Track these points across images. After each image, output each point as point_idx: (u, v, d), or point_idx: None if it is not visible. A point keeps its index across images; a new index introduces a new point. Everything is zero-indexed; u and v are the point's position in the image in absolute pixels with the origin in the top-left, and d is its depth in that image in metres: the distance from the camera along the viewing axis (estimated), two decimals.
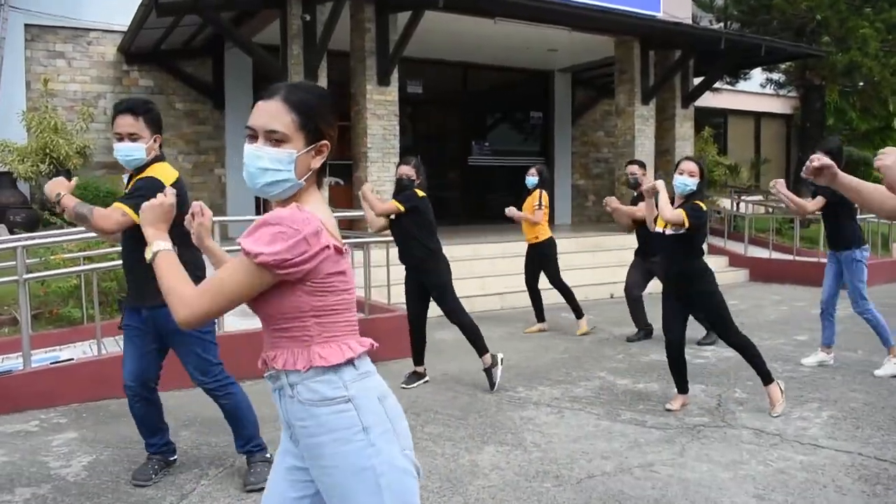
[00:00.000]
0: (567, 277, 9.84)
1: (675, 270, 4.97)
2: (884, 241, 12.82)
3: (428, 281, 5.56)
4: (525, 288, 7.81)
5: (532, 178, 7.63)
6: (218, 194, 12.04)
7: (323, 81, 9.53)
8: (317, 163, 1.87)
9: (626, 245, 11.20)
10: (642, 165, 7.41)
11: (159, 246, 1.95)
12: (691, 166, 4.90)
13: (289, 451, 1.96)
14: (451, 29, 11.08)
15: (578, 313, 7.59)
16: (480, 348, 5.50)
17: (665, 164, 12.68)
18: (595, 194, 15.00)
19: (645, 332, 7.29)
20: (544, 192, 7.55)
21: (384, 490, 1.80)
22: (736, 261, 11.63)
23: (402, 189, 5.56)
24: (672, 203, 4.89)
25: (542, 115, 15.32)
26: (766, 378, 4.93)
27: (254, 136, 1.82)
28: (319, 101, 1.88)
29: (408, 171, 5.56)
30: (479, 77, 14.57)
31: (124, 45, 11.10)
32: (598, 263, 10.60)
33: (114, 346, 6.06)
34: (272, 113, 1.80)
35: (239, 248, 1.77)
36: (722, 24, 15.43)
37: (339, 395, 1.82)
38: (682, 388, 5.07)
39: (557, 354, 6.72)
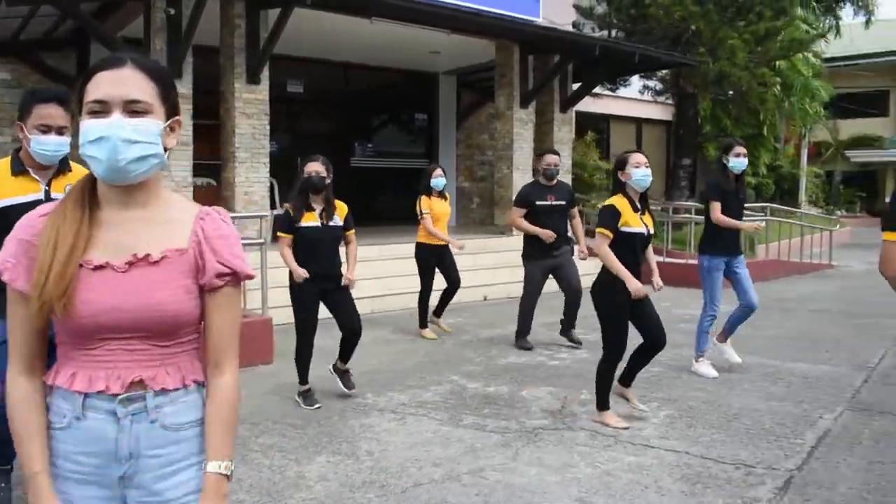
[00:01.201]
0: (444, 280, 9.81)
1: (640, 273, 4.76)
2: (750, 243, 13.34)
3: (343, 291, 5.28)
4: (400, 291, 7.73)
5: (443, 180, 7.51)
6: None
7: (188, 78, 9.16)
8: (172, 141, 1.60)
9: (508, 247, 11.29)
10: (557, 154, 7.39)
11: None
12: (645, 158, 4.73)
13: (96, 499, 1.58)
14: (330, 28, 10.86)
15: (424, 323, 7.54)
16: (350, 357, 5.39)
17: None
18: (480, 197, 15.05)
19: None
20: (422, 197, 7.43)
21: None
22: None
23: (313, 187, 5.14)
24: (633, 204, 4.70)
25: (426, 117, 15.28)
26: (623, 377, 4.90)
27: (102, 112, 1.50)
28: (170, 73, 1.67)
29: (318, 167, 5.15)
30: (363, 78, 14.39)
31: None
32: (478, 265, 10.59)
33: None
34: (131, 81, 1.51)
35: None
36: (605, 32, 15.77)
37: (203, 416, 1.63)
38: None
39: (418, 358, 6.63)
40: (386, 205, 14.00)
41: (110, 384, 1.51)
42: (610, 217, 4.62)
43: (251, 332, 6.14)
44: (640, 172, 4.61)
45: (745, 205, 6.49)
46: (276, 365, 6.24)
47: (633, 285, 4.49)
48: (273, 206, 10.26)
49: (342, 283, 5.20)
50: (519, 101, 12.01)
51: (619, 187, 4.72)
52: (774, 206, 15.39)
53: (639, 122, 19.44)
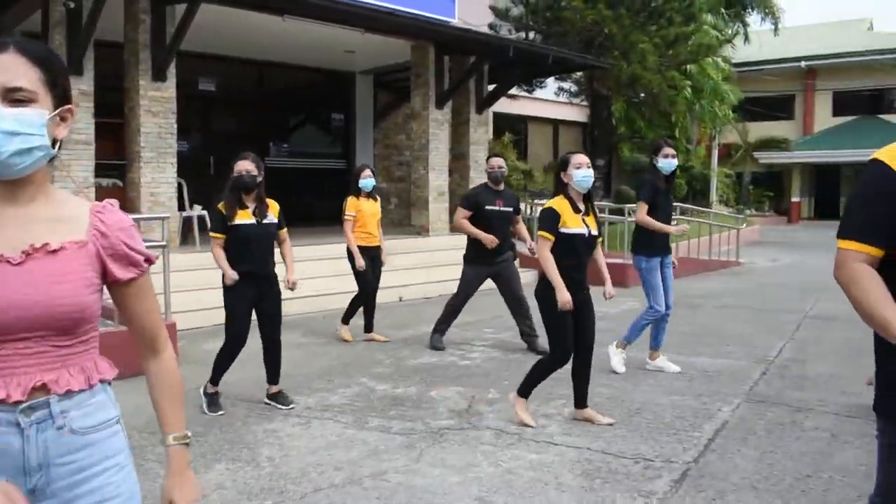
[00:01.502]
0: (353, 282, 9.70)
1: (585, 275, 4.74)
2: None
3: (277, 296, 5.14)
4: (311, 294, 7.58)
5: (371, 181, 7.34)
6: None
7: (90, 74, 8.83)
8: (62, 132, 1.48)
9: (425, 248, 11.30)
10: (502, 157, 7.31)
11: None
12: (587, 158, 4.69)
13: None
14: (242, 25, 10.65)
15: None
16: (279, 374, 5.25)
17: (460, 168, 12.89)
18: (398, 197, 15.00)
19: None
20: (350, 198, 7.31)
21: None
22: (526, 261, 11.97)
23: (244, 186, 4.95)
24: (574, 205, 4.67)
25: (343, 117, 15.15)
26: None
27: None
28: (59, 58, 1.54)
29: (248, 166, 4.95)
30: (279, 76, 14.16)
31: None
32: (394, 266, 10.52)
33: None
34: (12, 68, 1.40)
35: None
36: (523, 34, 15.94)
37: (114, 415, 1.54)
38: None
39: (328, 361, 6.53)
40: (302, 206, 13.79)
41: (10, 392, 1.40)
42: (549, 220, 4.60)
43: None
44: (581, 173, 4.59)
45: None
46: (181, 371, 6.02)
47: (562, 297, 4.43)
48: (182, 208, 9.97)
49: (288, 287, 5.14)
50: (435, 101, 12.02)
51: (562, 188, 4.69)
52: (685, 205, 15.84)
53: (556, 124, 19.75)
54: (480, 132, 13.09)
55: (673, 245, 13.76)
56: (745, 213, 24.50)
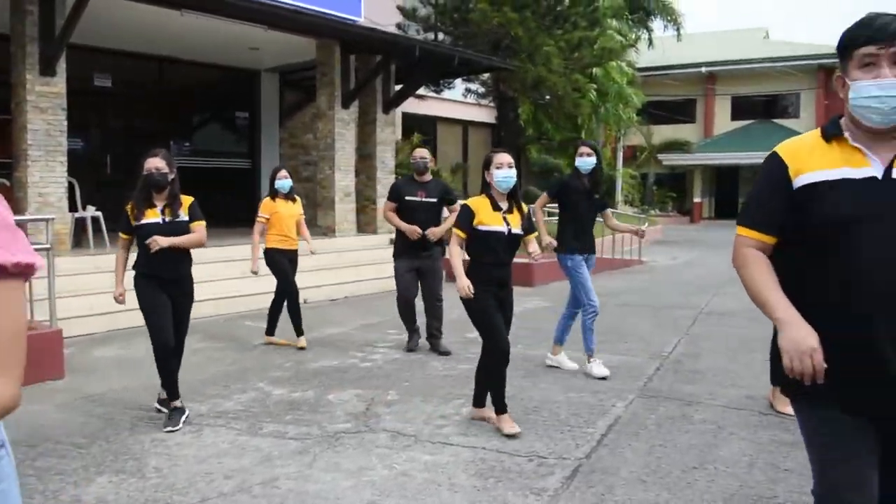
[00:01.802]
0: (264, 283, 9.51)
1: (507, 273, 4.69)
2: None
3: (187, 301, 4.92)
4: (211, 297, 7.38)
5: (288, 181, 7.14)
6: None
7: None
8: None
9: (331, 249, 11.14)
10: (426, 148, 7.19)
11: None
12: (509, 158, 4.64)
13: None
14: (138, 19, 10.27)
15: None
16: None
17: (367, 168, 12.79)
18: (304, 197, 14.70)
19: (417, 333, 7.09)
20: (265, 200, 7.17)
21: None
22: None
23: (155, 185, 4.73)
24: (495, 203, 4.65)
25: (248, 116, 14.82)
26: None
27: None
28: None
29: (158, 163, 4.69)
30: (180, 72, 13.71)
31: None
32: (300, 268, 10.35)
33: None
34: None
35: None
36: (431, 35, 15.96)
37: (1, 439, 1.36)
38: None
39: (224, 367, 6.35)
40: (205, 206, 13.38)
41: None
42: (463, 217, 4.65)
43: (39, 345, 5.65)
44: (502, 173, 4.58)
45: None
46: (68, 380, 5.80)
47: (460, 283, 4.47)
48: (74, 209, 9.55)
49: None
50: (340, 100, 11.88)
51: (485, 187, 4.70)
52: None
53: (465, 125, 19.86)
54: (387, 132, 13.02)
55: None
56: (648, 213, 25.24)
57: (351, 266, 10.97)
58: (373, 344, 7.18)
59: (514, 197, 4.73)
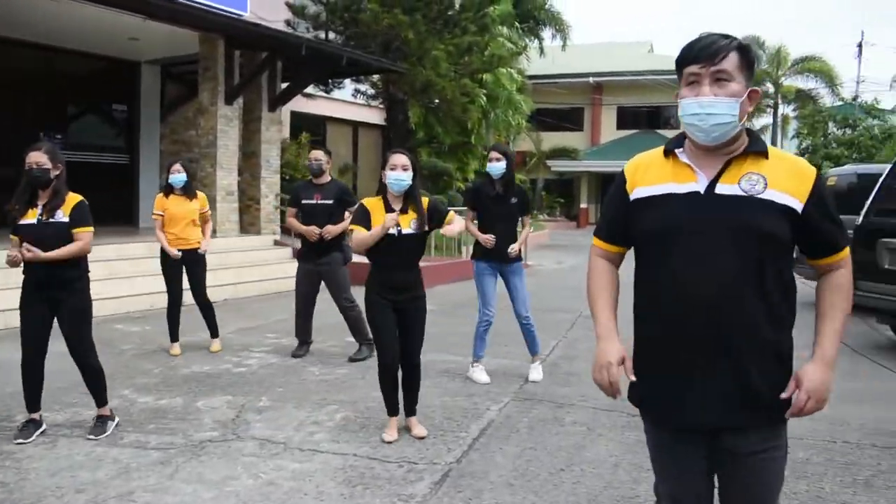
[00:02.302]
0: (133, 285, 9.12)
1: (405, 277, 4.55)
2: (456, 244, 14.03)
3: (73, 304, 4.47)
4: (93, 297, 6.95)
5: (181, 176, 6.71)
6: None
7: None
8: None
9: (211, 249, 10.77)
10: (328, 153, 6.93)
11: None
12: (404, 160, 4.49)
13: None
14: (10, 3, 9.65)
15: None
16: (101, 399, 4.65)
17: (251, 167, 12.49)
18: None
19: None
20: (158, 196, 6.83)
21: None
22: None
23: (36, 182, 4.33)
24: (388, 203, 4.50)
25: (126, 109, 14.18)
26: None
27: None
28: None
29: (39, 157, 4.30)
30: (53, 61, 12.93)
31: None
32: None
33: None
34: None
35: None
36: (322, 34, 15.73)
37: None
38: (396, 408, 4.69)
39: None
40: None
41: None
42: (360, 214, 4.50)
43: None
44: (394, 175, 4.45)
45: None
46: None
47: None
48: None
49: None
50: (224, 96, 11.55)
51: (382, 188, 4.57)
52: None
53: (355, 125, 19.70)
54: (273, 131, 12.74)
55: (466, 248, 14.21)
56: (536, 218, 25.78)
57: (232, 267, 10.67)
58: (248, 348, 6.99)
59: (411, 199, 4.60)
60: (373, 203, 4.56)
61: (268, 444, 4.39)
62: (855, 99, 33.97)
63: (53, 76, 13.11)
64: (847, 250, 2.03)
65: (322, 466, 4.07)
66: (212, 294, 9.13)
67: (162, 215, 6.66)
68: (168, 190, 6.73)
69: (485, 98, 18.84)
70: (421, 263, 4.75)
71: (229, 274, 10.38)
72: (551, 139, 34.37)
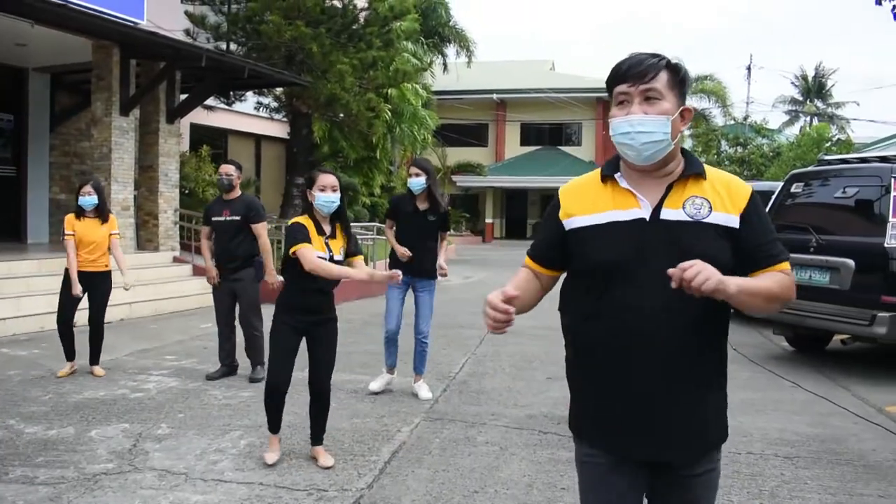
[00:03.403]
0: (20, 306, 8.64)
1: (319, 300, 4.36)
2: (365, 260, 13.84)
3: None
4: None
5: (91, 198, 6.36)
6: None
7: None
8: None
9: None
10: (239, 168, 6.65)
11: None
12: (334, 180, 4.26)
13: None
14: None
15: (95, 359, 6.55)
16: None
17: (148, 180, 12.02)
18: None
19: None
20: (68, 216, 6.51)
21: None
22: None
23: None
24: (319, 226, 4.26)
25: (13, 118, 13.40)
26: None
27: None
28: None
29: None
30: None
31: None
32: (58, 288, 9.47)
33: None
34: None
35: None
36: (224, 45, 15.33)
37: None
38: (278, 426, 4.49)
39: None
40: None
41: None
42: (300, 233, 4.19)
43: None
44: (324, 197, 4.21)
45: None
46: None
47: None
48: None
49: None
50: (119, 107, 11.06)
51: (307, 207, 4.33)
52: (383, 225, 16.24)
53: (258, 139, 19.32)
54: (171, 143, 12.29)
55: (371, 264, 14.07)
56: None
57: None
58: (146, 371, 6.67)
59: (339, 220, 4.42)
60: (307, 222, 4.31)
61: (168, 475, 4.16)
62: (745, 119, 35.72)
63: None
64: (787, 265, 1.96)
65: (226, 497, 3.88)
66: (107, 313, 8.72)
67: (73, 235, 6.31)
68: (79, 212, 6.39)
69: (390, 113, 18.81)
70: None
71: (124, 293, 9.89)
72: (456, 154, 34.67)
